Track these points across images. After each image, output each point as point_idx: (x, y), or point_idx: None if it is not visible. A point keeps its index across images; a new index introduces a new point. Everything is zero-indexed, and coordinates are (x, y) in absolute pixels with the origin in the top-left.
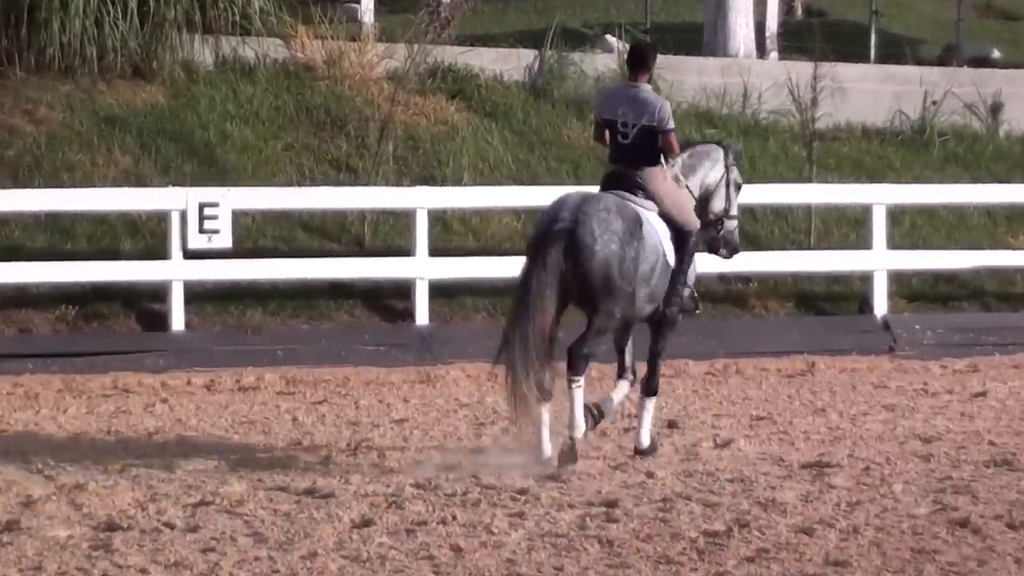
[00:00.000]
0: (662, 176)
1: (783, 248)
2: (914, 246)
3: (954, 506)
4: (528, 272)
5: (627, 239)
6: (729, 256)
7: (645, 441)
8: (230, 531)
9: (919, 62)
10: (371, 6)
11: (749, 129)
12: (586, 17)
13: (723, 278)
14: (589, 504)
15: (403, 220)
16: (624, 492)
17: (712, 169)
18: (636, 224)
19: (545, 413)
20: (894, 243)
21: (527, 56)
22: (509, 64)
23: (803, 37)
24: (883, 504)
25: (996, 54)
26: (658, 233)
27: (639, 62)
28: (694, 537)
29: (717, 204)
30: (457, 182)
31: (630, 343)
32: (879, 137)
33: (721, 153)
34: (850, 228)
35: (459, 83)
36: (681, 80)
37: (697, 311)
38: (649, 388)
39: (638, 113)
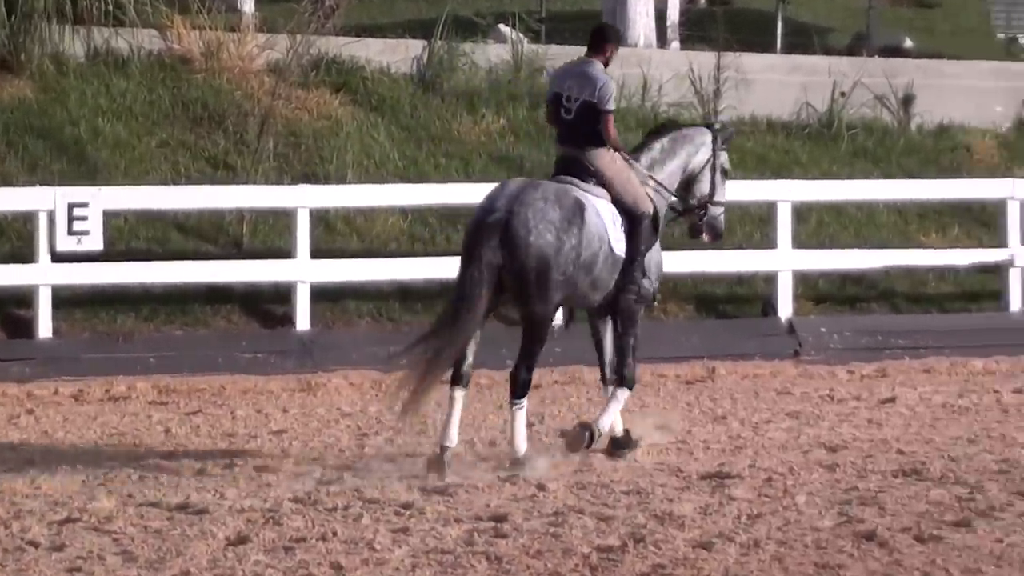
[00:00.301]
0: (610, 158)
1: (683, 248)
2: (821, 245)
3: (860, 518)
4: (462, 270)
5: (564, 227)
6: (713, 241)
7: (604, 425)
8: (98, 549)
9: (828, 52)
10: None
11: (649, 122)
12: (478, 6)
13: None
14: (477, 518)
15: (283, 220)
16: (514, 506)
17: (697, 153)
18: (576, 211)
19: (458, 400)
20: (800, 242)
21: (416, 47)
22: (397, 55)
23: (706, 26)
24: (786, 516)
25: (908, 43)
26: (604, 220)
27: (594, 40)
28: (587, 553)
29: (701, 188)
30: (341, 180)
31: (608, 340)
32: (785, 131)
33: (709, 137)
34: (754, 226)
35: (344, 76)
36: None
37: (655, 302)
38: (623, 379)
39: (581, 87)
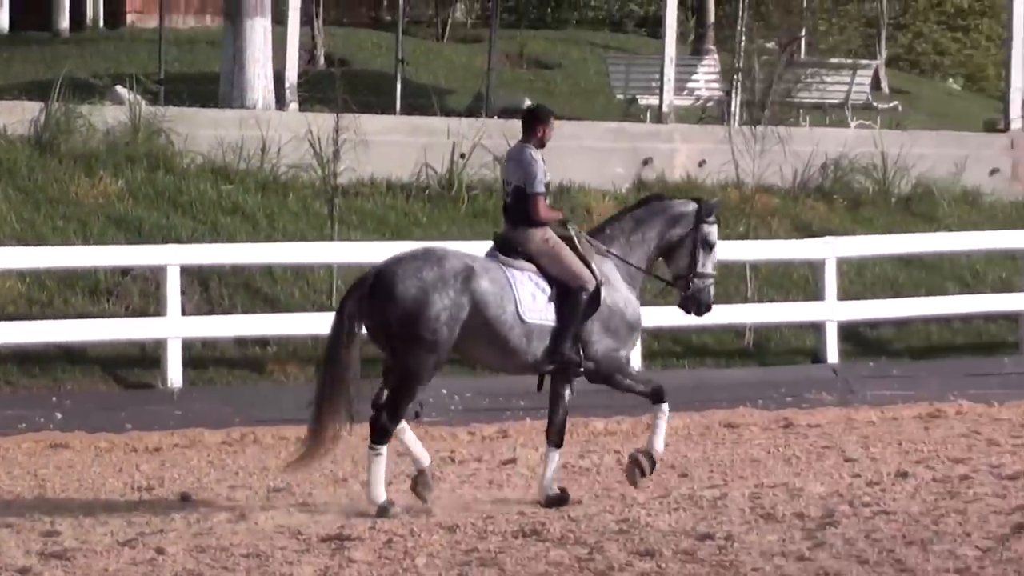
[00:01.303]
0: (540, 236)
1: (303, 310)
2: None
3: None
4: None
5: (439, 288)
6: (699, 314)
7: (548, 490)
8: None
9: (447, 113)
10: None
11: (268, 185)
12: (96, 68)
13: (240, 341)
14: None
15: None
16: (132, 570)
17: (675, 226)
18: (459, 276)
19: (381, 457)
20: None
21: (33, 109)
22: (13, 117)
23: (325, 87)
24: None
25: (528, 104)
26: (514, 290)
27: (525, 123)
28: None
29: (680, 262)
30: None
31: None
32: (405, 192)
33: (691, 209)
34: None
35: None
36: (195, 133)
37: (580, 368)
38: (550, 439)
39: (513, 172)
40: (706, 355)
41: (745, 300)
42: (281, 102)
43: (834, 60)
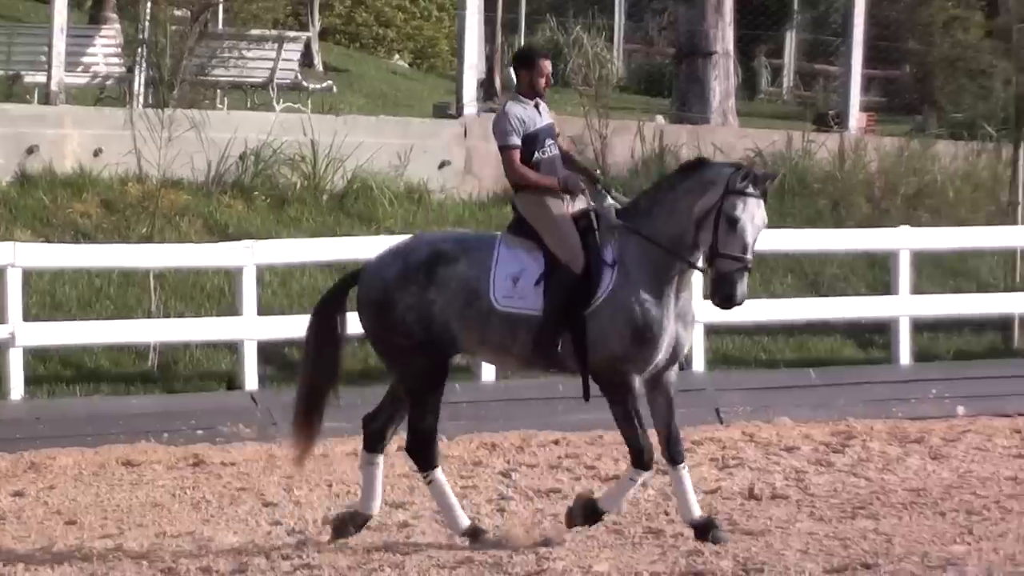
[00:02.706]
0: (530, 201)
1: None
2: None
3: None
4: None
5: (400, 284)
6: (722, 306)
7: (609, 505)
8: None
9: None
10: None
11: None
12: None
13: None
14: None
15: None
16: None
17: (703, 195)
18: (422, 266)
19: (371, 474)
20: None
21: None
22: None
23: None
24: None
25: None
26: (492, 273)
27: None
28: None
29: (703, 238)
30: None
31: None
32: None
33: (724, 173)
34: None
35: None
36: None
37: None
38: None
39: None
40: (101, 380)
41: (148, 315)
42: None
43: (256, 32)
